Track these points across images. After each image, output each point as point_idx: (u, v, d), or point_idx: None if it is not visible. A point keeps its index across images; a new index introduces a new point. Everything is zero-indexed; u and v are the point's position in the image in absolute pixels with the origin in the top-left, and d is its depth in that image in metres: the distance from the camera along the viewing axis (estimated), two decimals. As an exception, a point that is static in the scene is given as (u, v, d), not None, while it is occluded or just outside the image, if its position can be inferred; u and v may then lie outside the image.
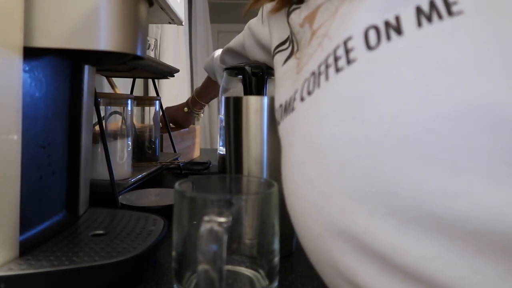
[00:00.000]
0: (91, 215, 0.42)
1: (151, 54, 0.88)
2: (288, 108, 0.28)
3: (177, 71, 0.78)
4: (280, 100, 0.30)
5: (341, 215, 0.20)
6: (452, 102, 0.16)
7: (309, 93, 0.24)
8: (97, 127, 0.52)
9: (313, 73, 0.25)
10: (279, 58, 0.35)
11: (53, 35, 0.29)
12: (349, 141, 0.20)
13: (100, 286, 0.31)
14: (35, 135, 0.34)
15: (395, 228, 0.18)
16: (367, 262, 0.20)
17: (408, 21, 0.19)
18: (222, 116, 0.86)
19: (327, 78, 0.23)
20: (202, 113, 1.08)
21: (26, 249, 0.32)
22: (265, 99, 0.39)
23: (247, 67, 0.68)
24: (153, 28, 1.57)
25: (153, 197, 0.57)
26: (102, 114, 0.56)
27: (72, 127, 0.41)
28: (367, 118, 0.19)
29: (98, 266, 0.30)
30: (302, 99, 0.25)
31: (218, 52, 0.83)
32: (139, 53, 0.34)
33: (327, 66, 0.23)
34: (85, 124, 0.42)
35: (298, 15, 0.31)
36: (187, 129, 1.03)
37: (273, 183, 0.30)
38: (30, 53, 0.30)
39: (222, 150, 0.86)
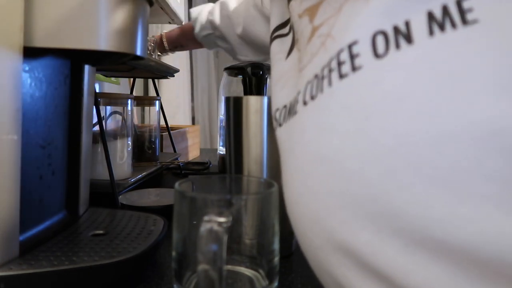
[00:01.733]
0: (91, 215, 0.42)
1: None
2: (291, 110, 0.27)
3: (177, 71, 0.78)
4: (283, 100, 0.29)
5: (342, 230, 0.20)
6: (465, 122, 0.15)
7: (312, 97, 0.23)
8: (97, 127, 0.52)
9: (316, 76, 0.23)
10: (278, 47, 0.33)
11: (53, 35, 0.29)
12: (352, 154, 0.19)
13: (100, 286, 0.31)
14: (35, 135, 0.34)
15: (398, 249, 0.17)
16: (368, 279, 0.19)
17: (419, 28, 0.18)
18: (222, 116, 0.86)
19: (330, 83, 0.22)
20: (156, 56, 0.88)
21: (26, 249, 0.32)
22: (265, 99, 0.39)
23: (247, 67, 0.68)
24: (153, 28, 1.57)
25: (153, 197, 0.57)
26: (102, 114, 0.56)
27: (72, 127, 0.41)
28: (372, 131, 0.18)
29: (98, 266, 0.30)
30: (305, 103, 0.24)
31: (210, 7, 0.72)
32: (139, 53, 0.34)
33: (330, 70, 0.22)
34: (85, 124, 0.42)
35: (299, 4, 0.29)
36: (187, 129, 1.03)
37: (273, 183, 0.30)
38: (30, 53, 0.30)
39: (222, 150, 0.86)
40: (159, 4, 0.59)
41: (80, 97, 0.41)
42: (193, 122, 2.48)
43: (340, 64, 0.21)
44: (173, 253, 0.29)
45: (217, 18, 0.69)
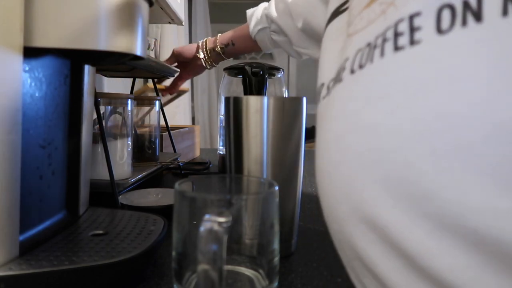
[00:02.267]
0: (91, 215, 0.42)
1: (151, 54, 0.88)
2: (337, 77, 0.25)
3: (177, 71, 0.78)
4: (331, 73, 0.27)
5: (372, 204, 0.19)
6: None
7: (361, 66, 0.22)
8: (97, 127, 0.52)
9: (369, 45, 0.22)
10: (336, 25, 0.31)
11: (53, 35, 0.29)
12: (394, 131, 0.18)
13: (100, 286, 0.31)
14: (35, 135, 0.34)
15: (428, 232, 0.17)
16: (390, 255, 0.19)
17: (493, 5, 0.16)
18: (222, 116, 0.86)
19: (382, 54, 0.20)
20: (215, 65, 0.85)
21: (26, 249, 0.32)
22: (265, 99, 0.39)
23: (247, 67, 0.68)
24: (153, 28, 1.57)
25: (153, 197, 0.57)
26: (102, 114, 0.56)
27: (72, 127, 0.41)
28: (419, 110, 0.17)
29: (98, 266, 0.30)
30: (352, 71, 0.23)
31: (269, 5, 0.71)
32: (139, 53, 0.34)
33: (384, 40, 0.21)
34: (85, 124, 0.42)
35: None
36: (187, 129, 1.03)
37: (273, 183, 0.30)
38: (30, 53, 0.30)
39: (222, 150, 0.86)
40: (159, 4, 0.59)
41: (80, 97, 0.41)
42: (193, 122, 2.48)
43: (397, 35, 0.20)
44: (173, 253, 0.29)
45: (273, 11, 0.69)
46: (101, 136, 0.51)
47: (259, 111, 0.39)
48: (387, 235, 0.19)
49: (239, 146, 0.40)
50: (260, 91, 0.67)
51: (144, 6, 0.35)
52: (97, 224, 0.40)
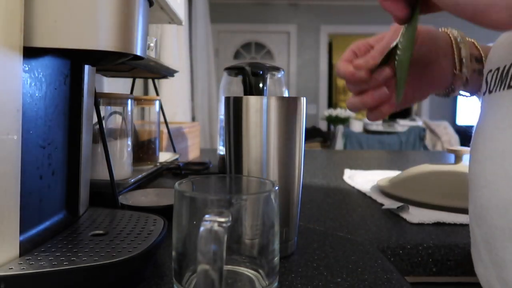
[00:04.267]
0: (91, 215, 0.42)
1: (151, 54, 0.88)
2: (502, 77, 0.23)
3: (176, 71, 0.78)
4: (500, 61, 0.25)
5: None
6: None
7: None
8: (97, 127, 0.52)
9: None
10: None
11: (53, 35, 0.29)
12: None
13: (100, 286, 0.31)
14: (35, 135, 0.34)
15: None
16: None
17: None
18: (222, 116, 0.86)
19: None
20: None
21: (26, 249, 0.32)
22: (265, 99, 0.39)
23: (247, 67, 0.68)
24: (153, 28, 1.57)
25: (153, 197, 0.57)
26: (102, 114, 0.56)
27: (72, 127, 0.41)
28: None
29: (98, 266, 0.30)
30: None
31: None
32: (139, 53, 0.34)
33: None
34: (85, 124, 0.42)
35: None
36: (187, 128, 1.03)
37: (273, 183, 0.30)
38: (30, 53, 0.30)
39: (222, 150, 0.86)
40: (159, 4, 0.59)
41: (80, 97, 0.41)
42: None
43: None
44: (173, 253, 0.29)
45: None
46: (101, 136, 0.51)
47: (259, 111, 0.39)
48: None
49: (239, 146, 0.40)
50: (260, 91, 0.67)
51: (144, 6, 0.35)
52: (97, 224, 0.40)
